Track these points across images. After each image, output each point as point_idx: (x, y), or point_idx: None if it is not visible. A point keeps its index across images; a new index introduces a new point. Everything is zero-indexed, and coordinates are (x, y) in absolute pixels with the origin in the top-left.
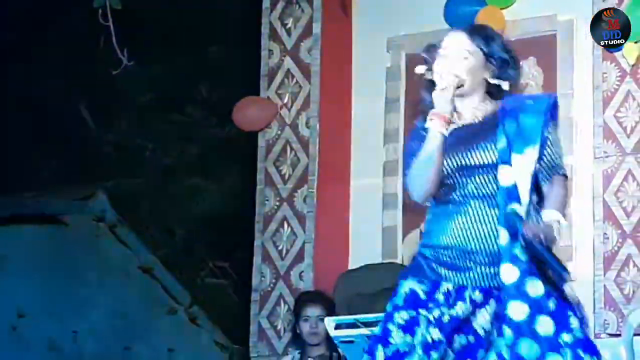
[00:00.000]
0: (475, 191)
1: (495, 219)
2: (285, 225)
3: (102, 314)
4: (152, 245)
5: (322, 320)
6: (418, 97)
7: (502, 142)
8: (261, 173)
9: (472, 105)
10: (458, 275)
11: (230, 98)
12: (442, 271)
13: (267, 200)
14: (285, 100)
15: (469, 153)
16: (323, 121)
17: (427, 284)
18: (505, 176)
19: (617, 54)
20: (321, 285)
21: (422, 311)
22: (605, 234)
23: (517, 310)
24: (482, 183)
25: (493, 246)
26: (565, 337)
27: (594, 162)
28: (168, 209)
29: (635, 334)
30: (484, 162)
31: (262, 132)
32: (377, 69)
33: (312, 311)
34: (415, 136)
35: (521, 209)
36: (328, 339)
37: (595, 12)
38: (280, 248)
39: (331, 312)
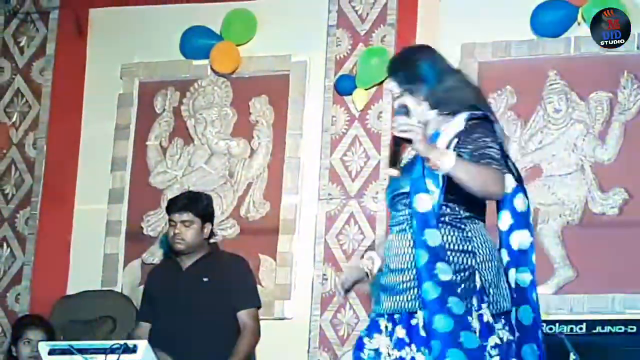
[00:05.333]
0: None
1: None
2: (5, 245)
3: None
4: None
5: None
6: (147, 126)
7: (417, 172)
8: None
9: None
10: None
11: None
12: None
13: None
14: (14, 120)
15: (399, 183)
16: (51, 143)
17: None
18: (421, 203)
19: (347, 99)
20: (38, 309)
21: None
22: (324, 274)
23: (442, 324)
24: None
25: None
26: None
27: (318, 203)
28: None
29: None
30: (406, 191)
31: None
32: (109, 95)
33: (34, 334)
34: None
35: (437, 234)
36: None
37: (328, 56)
38: None
39: (52, 336)
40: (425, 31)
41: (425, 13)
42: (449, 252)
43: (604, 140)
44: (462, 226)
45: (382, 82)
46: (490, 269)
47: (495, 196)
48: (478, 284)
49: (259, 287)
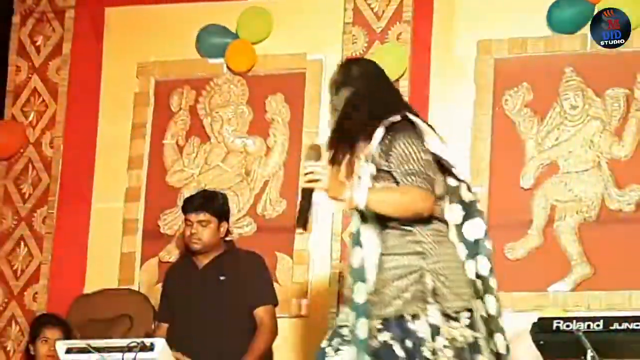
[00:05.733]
0: None
1: None
2: (22, 244)
3: None
4: None
5: None
6: (164, 124)
7: None
8: (0, 191)
9: None
10: None
11: None
12: None
13: (5, 218)
14: (30, 119)
15: None
16: (67, 142)
17: None
18: (352, 224)
19: None
20: (55, 308)
21: None
22: (341, 272)
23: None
24: None
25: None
26: None
27: (334, 201)
28: None
29: None
30: None
31: None
32: (126, 94)
33: (52, 333)
34: None
35: (358, 252)
36: None
37: (344, 54)
38: (15, 268)
39: (69, 335)
40: (441, 28)
41: (441, 10)
42: (397, 256)
43: (621, 136)
44: (410, 228)
45: (397, 80)
46: (443, 269)
47: (423, 213)
48: (429, 285)
49: (276, 285)
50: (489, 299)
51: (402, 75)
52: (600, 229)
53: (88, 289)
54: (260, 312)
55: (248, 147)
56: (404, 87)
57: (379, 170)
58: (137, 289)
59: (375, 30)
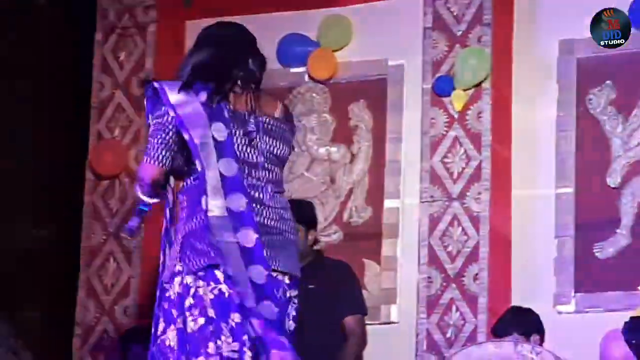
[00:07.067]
0: None
1: None
2: (112, 259)
3: None
4: None
5: None
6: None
7: None
8: (88, 206)
9: None
10: None
11: (56, 130)
12: None
13: (94, 234)
14: (116, 134)
15: None
16: None
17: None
18: None
19: (445, 100)
20: (146, 321)
21: None
22: (429, 277)
23: None
24: None
25: None
26: None
27: (420, 206)
28: None
29: None
30: None
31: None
32: None
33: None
34: None
35: None
36: None
37: (425, 58)
38: (105, 282)
39: None
40: (521, 29)
41: (521, 11)
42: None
43: None
44: (167, 194)
45: (481, 83)
46: (189, 232)
47: (145, 180)
48: (177, 248)
49: (364, 292)
50: (255, 268)
51: (486, 78)
52: None
53: None
54: (350, 321)
55: (332, 154)
56: (486, 90)
57: None
58: None
59: (456, 33)
